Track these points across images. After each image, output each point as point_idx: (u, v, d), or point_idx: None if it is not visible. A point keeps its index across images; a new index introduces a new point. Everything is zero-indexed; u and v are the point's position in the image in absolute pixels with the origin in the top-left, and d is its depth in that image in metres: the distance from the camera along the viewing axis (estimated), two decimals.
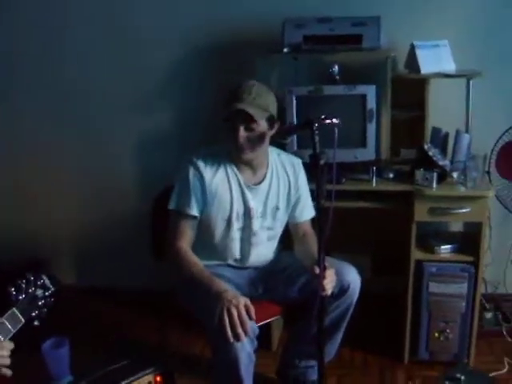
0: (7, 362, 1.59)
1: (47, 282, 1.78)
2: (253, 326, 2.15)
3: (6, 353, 1.59)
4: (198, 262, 2.32)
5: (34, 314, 1.72)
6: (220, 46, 3.27)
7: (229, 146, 2.39)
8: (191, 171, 2.38)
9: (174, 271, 2.51)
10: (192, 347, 3.09)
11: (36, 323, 1.74)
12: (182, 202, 2.38)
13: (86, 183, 3.66)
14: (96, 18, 3.37)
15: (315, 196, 2.07)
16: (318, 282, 2.16)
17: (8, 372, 1.60)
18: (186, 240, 2.38)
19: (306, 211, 2.59)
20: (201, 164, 2.38)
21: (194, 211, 2.38)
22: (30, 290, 1.72)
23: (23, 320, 1.67)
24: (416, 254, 2.89)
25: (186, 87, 3.40)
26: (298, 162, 2.58)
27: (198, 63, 3.34)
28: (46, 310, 1.75)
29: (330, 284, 2.22)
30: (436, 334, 2.92)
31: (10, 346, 1.62)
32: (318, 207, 2.08)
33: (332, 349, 2.54)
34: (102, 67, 3.45)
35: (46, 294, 1.76)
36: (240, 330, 2.00)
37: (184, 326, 2.92)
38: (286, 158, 2.56)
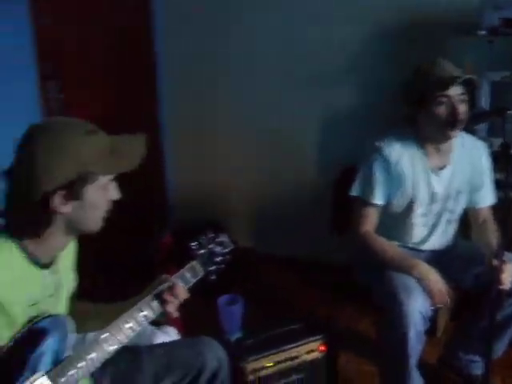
0: (176, 305, 1.71)
1: (226, 240, 1.90)
2: (426, 307, 2.17)
3: (180, 298, 1.72)
4: (387, 242, 2.38)
5: (211, 268, 1.84)
6: (410, 23, 3.19)
7: (417, 128, 2.35)
8: (378, 159, 2.36)
9: (354, 249, 2.58)
10: (358, 324, 3.11)
11: (213, 278, 1.86)
12: (366, 190, 2.39)
13: (267, 151, 3.77)
14: None
15: (502, 186, 2.01)
16: (496, 274, 2.12)
17: (175, 314, 1.72)
18: (371, 225, 2.40)
19: (488, 197, 2.50)
20: (388, 151, 2.35)
21: (379, 200, 2.38)
22: (210, 246, 1.84)
23: (202, 273, 1.80)
24: None
25: (372, 65, 3.37)
26: (483, 145, 2.49)
27: (386, 40, 3.29)
28: (223, 266, 1.88)
29: (508, 278, 2.16)
30: None
31: (186, 294, 1.73)
32: (505, 198, 2.02)
33: (500, 346, 2.44)
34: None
35: (224, 251, 1.87)
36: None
37: (353, 302, 2.97)
38: (471, 141, 2.48)
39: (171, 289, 1.69)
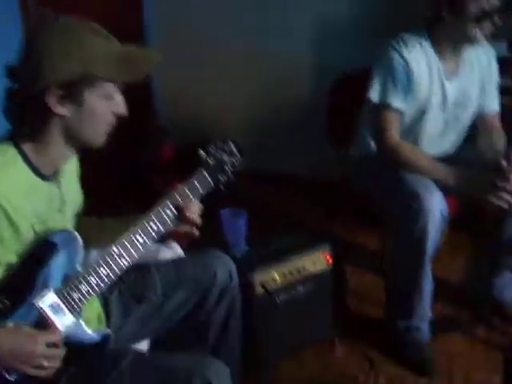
0: (198, 221, 1.66)
1: (234, 148, 1.80)
2: (445, 207, 2.15)
3: (198, 213, 1.66)
4: (418, 150, 2.33)
5: (221, 177, 1.75)
6: None
7: (434, 30, 2.28)
8: (397, 60, 2.26)
9: (352, 159, 2.55)
10: (357, 237, 3.12)
11: (222, 188, 1.78)
12: (388, 92, 2.28)
13: (262, 64, 3.65)
14: None
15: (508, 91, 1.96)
16: (505, 175, 2.10)
17: (196, 232, 1.67)
18: (397, 132, 2.31)
19: (495, 103, 2.47)
20: (405, 51, 2.25)
21: (401, 104, 2.28)
22: (219, 155, 1.76)
23: (212, 182, 1.71)
24: None
25: None
26: (493, 52, 2.43)
27: None
28: (232, 175, 1.79)
29: None
30: None
31: (200, 206, 1.67)
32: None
33: None
34: None
35: (233, 160, 1.78)
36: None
37: (351, 215, 2.95)
38: (480, 47, 2.39)
39: (186, 204, 1.60)
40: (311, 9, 3.43)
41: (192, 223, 1.64)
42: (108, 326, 1.66)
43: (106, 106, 1.43)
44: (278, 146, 3.70)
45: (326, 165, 3.05)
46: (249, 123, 3.81)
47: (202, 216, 1.68)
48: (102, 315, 1.66)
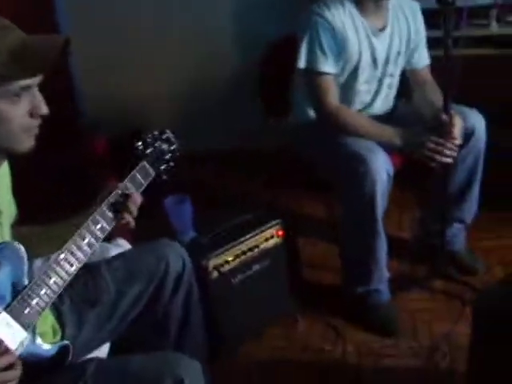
0: (135, 213, 1.59)
1: (171, 136, 1.76)
2: (390, 166, 2.15)
3: (138, 203, 1.59)
4: (359, 114, 2.32)
5: (162, 167, 1.71)
6: None
7: None
8: (322, 24, 2.21)
9: (292, 127, 2.51)
10: (304, 206, 3.09)
11: (164, 177, 1.73)
12: (316, 58, 2.23)
13: (186, 41, 3.53)
14: None
15: (435, 44, 1.97)
16: (446, 129, 2.10)
17: (132, 223, 1.60)
18: (335, 97, 2.28)
19: (424, 56, 2.47)
20: (328, 14, 2.21)
21: (332, 68, 2.25)
22: (157, 144, 1.70)
23: (153, 173, 1.66)
24: None
25: None
26: (417, 5, 2.41)
27: None
28: (173, 163, 1.74)
29: (459, 131, 2.13)
30: None
31: (140, 199, 1.61)
32: (446, 50, 1.99)
33: (473, 206, 2.47)
34: None
35: (172, 148, 1.74)
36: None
37: (296, 185, 2.92)
38: (404, 0, 2.38)
39: (127, 196, 1.54)
40: None
41: (130, 215, 1.56)
42: (64, 336, 1.57)
43: (13, 107, 1.29)
44: (211, 124, 3.62)
45: (263, 136, 3.00)
46: (178, 105, 3.70)
47: (146, 207, 1.62)
48: (57, 326, 1.57)
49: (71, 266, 1.41)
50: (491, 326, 1.53)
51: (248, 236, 2.23)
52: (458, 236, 2.53)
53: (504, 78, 2.89)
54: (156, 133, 1.72)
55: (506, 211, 2.85)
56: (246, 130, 3.39)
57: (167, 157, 1.73)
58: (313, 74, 2.27)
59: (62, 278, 1.39)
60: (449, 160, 2.15)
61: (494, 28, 2.72)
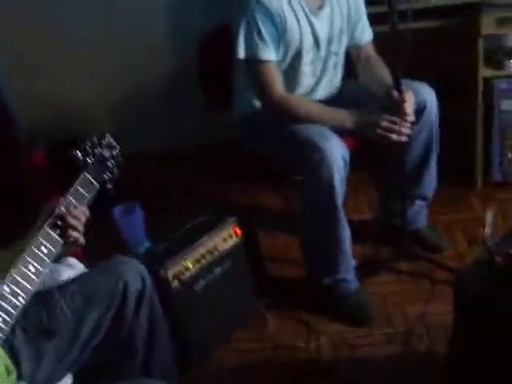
0: (81, 228, 1.47)
1: (111, 140, 1.64)
2: (345, 151, 2.08)
3: (82, 219, 1.47)
4: (307, 100, 2.25)
5: (106, 176, 1.59)
6: None
7: None
8: (258, 9, 2.09)
9: (238, 119, 2.40)
10: (259, 199, 2.97)
11: (110, 186, 1.61)
12: (256, 46, 2.12)
13: (116, 48, 3.35)
14: None
15: (388, 12, 1.96)
16: (398, 107, 2.05)
17: (81, 239, 1.49)
18: (281, 85, 2.18)
19: (367, 32, 2.40)
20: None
21: (273, 55, 2.15)
22: (97, 151, 1.58)
23: (97, 184, 1.54)
24: (484, 72, 2.68)
25: None
26: None
27: None
28: (116, 170, 1.63)
29: (411, 107, 2.07)
30: (510, 155, 2.78)
31: (86, 212, 1.50)
32: (392, 25, 1.97)
33: (432, 181, 2.43)
34: None
35: (114, 153, 1.62)
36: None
37: (248, 178, 2.83)
38: None
39: (69, 211, 1.41)
40: None
41: (77, 231, 1.44)
42: (20, 374, 1.43)
43: None
44: (153, 124, 3.45)
45: (208, 131, 2.92)
46: (115, 106, 3.52)
47: (94, 220, 1.50)
48: (11, 365, 1.42)
49: (17, 297, 1.28)
50: (473, 307, 1.48)
51: (205, 239, 2.12)
52: (420, 214, 2.48)
53: (449, 50, 2.87)
54: (95, 139, 1.60)
55: (460, 184, 2.86)
56: (190, 127, 3.27)
57: (110, 164, 1.61)
58: (254, 63, 2.17)
59: (7, 313, 1.26)
60: (404, 138, 2.08)
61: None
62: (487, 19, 2.56)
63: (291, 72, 2.27)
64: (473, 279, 1.51)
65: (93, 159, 1.55)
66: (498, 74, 2.70)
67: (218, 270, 2.16)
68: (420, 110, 2.20)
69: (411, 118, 2.09)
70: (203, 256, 2.12)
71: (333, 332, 2.22)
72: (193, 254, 2.09)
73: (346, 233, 2.19)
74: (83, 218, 1.47)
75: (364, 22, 2.37)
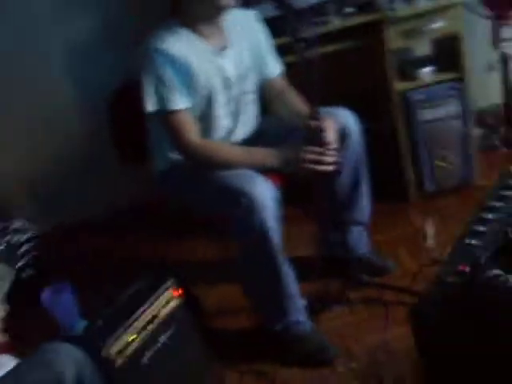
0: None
1: (20, 224, 1.52)
2: (274, 190, 2.02)
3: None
4: (223, 145, 2.19)
5: (20, 263, 1.46)
6: None
7: (184, 15, 2.13)
8: (163, 61, 2.04)
9: (158, 174, 2.31)
10: (196, 253, 2.88)
11: (29, 272, 1.48)
12: (165, 98, 2.06)
13: (29, 118, 3.21)
14: None
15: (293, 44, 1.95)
16: (320, 137, 2.00)
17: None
18: (195, 133, 2.12)
19: (276, 65, 2.36)
20: (169, 48, 2.05)
21: (184, 103, 2.08)
22: (6, 239, 1.45)
23: (12, 273, 1.41)
24: (398, 86, 2.72)
25: None
26: (251, 14, 2.31)
27: None
28: (31, 255, 1.50)
29: (332, 135, 2.03)
30: (439, 163, 2.78)
31: (3, 311, 1.37)
32: (301, 56, 1.96)
33: (366, 205, 2.38)
34: None
35: (26, 236, 1.50)
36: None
37: (180, 232, 2.72)
38: (241, 13, 2.27)
39: None
40: (58, 35, 3.10)
41: None
42: None
43: None
44: (73, 193, 3.31)
45: (130, 191, 2.83)
46: (29, 180, 3.33)
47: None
48: None
49: None
50: (433, 335, 1.40)
51: (144, 307, 1.98)
52: (360, 240, 2.42)
53: (361, 70, 2.91)
54: (1, 226, 1.47)
55: (395, 200, 2.86)
56: (110, 191, 3.15)
57: (23, 250, 1.48)
58: (165, 114, 2.10)
59: None
60: (331, 167, 2.03)
61: (336, 22, 2.65)
62: (393, 34, 2.60)
63: (206, 117, 2.21)
64: (429, 305, 1.44)
65: (2, 249, 1.43)
66: (411, 85, 2.73)
67: (162, 338, 2.01)
68: (343, 135, 2.16)
69: (334, 145, 2.04)
70: (145, 326, 1.97)
71: (296, 379, 2.11)
72: (134, 326, 1.95)
73: (289, 276, 2.10)
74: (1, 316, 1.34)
75: (272, 56, 2.34)
